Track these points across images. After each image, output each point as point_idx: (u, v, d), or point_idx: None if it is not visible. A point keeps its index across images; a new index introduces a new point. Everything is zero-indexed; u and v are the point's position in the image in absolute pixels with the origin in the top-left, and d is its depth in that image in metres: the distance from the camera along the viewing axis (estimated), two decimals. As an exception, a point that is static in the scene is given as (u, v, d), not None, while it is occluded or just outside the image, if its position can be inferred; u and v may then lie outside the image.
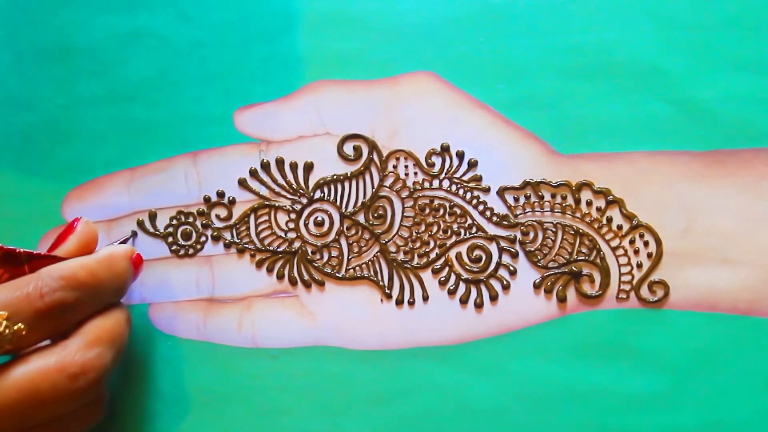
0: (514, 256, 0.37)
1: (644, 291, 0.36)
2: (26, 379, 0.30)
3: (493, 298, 0.36)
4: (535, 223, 0.37)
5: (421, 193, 0.38)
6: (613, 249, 0.36)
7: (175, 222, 0.39)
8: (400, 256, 0.37)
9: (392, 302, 0.37)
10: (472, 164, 0.37)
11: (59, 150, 0.39)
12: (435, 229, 0.37)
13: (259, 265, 0.38)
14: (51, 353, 0.31)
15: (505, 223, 0.37)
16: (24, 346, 0.31)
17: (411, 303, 0.37)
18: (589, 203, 0.37)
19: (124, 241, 0.38)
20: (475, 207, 0.37)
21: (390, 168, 0.38)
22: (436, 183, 0.38)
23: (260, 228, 0.38)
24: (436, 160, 0.38)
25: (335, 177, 0.38)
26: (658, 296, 0.36)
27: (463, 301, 0.37)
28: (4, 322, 0.30)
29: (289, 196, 0.38)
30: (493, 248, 0.37)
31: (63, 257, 0.33)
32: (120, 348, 0.33)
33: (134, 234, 0.38)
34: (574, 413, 0.35)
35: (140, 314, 0.38)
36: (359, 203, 0.38)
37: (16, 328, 0.30)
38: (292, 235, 0.38)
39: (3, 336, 0.30)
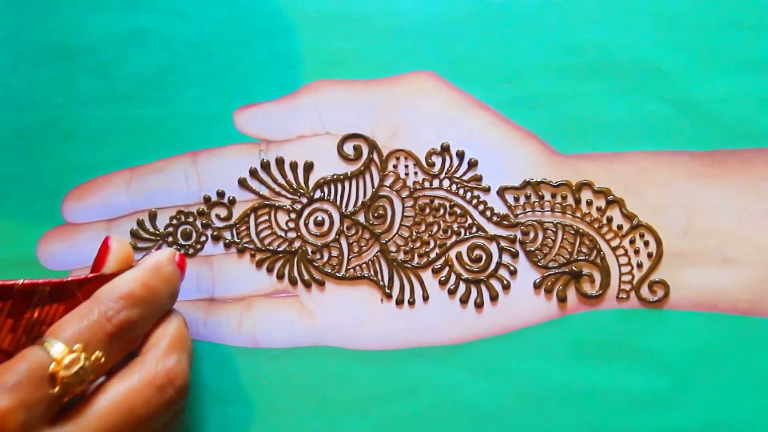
0: (515, 255, 0.37)
1: (644, 291, 0.36)
2: (119, 401, 0.30)
3: (494, 297, 0.36)
4: (535, 222, 0.37)
5: (422, 192, 0.38)
6: (614, 249, 0.36)
7: (175, 222, 0.38)
8: (401, 256, 0.37)
9: (392, 302, 0.37)
10: (473, 164, 0.37)
11: (59, 150, 0.39)
12: (435, 228, 0.37)
13: (259, 264, 0.38)
14: (132, 372, 0.31)
15: (505, 222, 0.37)
16: (104, 373, 0.31)
17: (411, 303, 0.37)
18: (589, 203, 0.37)
19: (158, 248, 0.38)
20: (476, 207, 0.37)
21: (390, 168, 0.38)
22: (436, 183, 0.38)
23: (260, 228, 0.38)
24: (436, 160, 0.38)
25: (335, 177, 0.38)
26: (658, 296, 0.36)
27: (464, 300, 0.37)
28: (83, 355, 0.29)
29: (289, 195, 0.38)
30: (493, 248, 0.37)
31: (111, 274, 0.33)
32: (191, 350, 0.33)
33: (163, 241, 0.38)
34: (574, 413, 0.35)
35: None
36: (359, 203, 0.38)
37: (93, 357, 0.29)
38: (292, 234, 0.38)
39: (85, 369, 0.29)
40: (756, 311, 0.35)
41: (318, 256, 0.38)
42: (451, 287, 0.37)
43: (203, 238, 0.38)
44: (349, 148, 0.38)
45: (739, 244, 0.35)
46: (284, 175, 0.38)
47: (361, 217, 0.38)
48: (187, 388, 0.32)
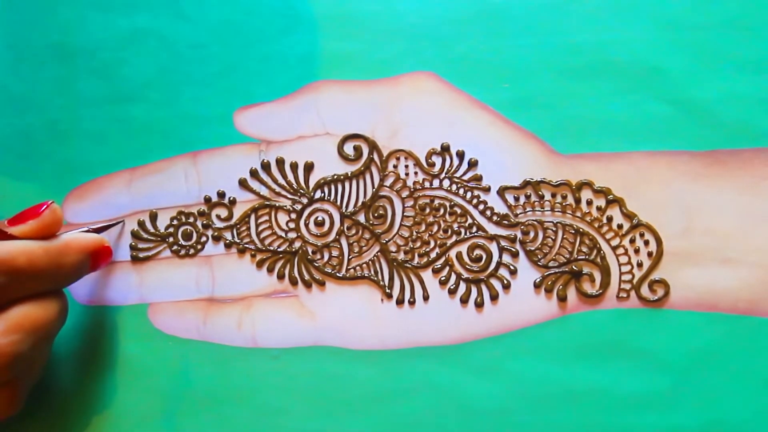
0: (515, 255, 0.37)
1: (645, 290, 0.36)
2: None
3: (494, 297, 0.37)
4: (535, 222, 0.37)
5: (422, 192, 0.38)
6: (614, 248, 0.36)
7: (175, 222, 0.39)
8: (401, 256, 0.37)
9: (393, 302, 0.37)
10: (473, 164, 0.37)
11: (59, 150, 0.39)
12: (435, 228, 0.37)
13: (259, 265, 0.38)
14: None
15: (505, 222, 0.37)
16: None
17: (411, 303, 0.37)
18: (589, 202, 0.37)
19: (104, 228, 0.37)
20: (476, 206, 0.37)
21: (390, 168, 0.38)
22: (436, 183, 0.38)
23: (261, 228, 0.38)
24: (437, 160, 0.38)
25: (335, 177, 0.38)
26: (658, 295, 0.36)
27: (464, 300, 0.37)
28: None
29: (289, 196, 0.38)
30: (493, 248, 0.37)
31: (15, 236, 0.33)
32: (43, 338, 0.33)
33: (122, 223, 0.38)
34: (574, 413, 0.35)
35: (140, 314, 0.38)
36: (359, 203, 0.38)
37: None
38: (292, 235, 0.38)
39: None
40: (756, 311, 0.35)
41: (318, 256, 0.38)
42: (452, 287, 0.37)
43: (204, 239, 0.38)
44: (349, 149, 0.38)
45: (739, 243, 0.35)
46: (284, 176, 0.38)
47: (361, 217, 0.38)
48: (9, 372, 0.31)
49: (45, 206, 0.34)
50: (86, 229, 0.37)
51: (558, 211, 0.37)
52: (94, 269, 0.36)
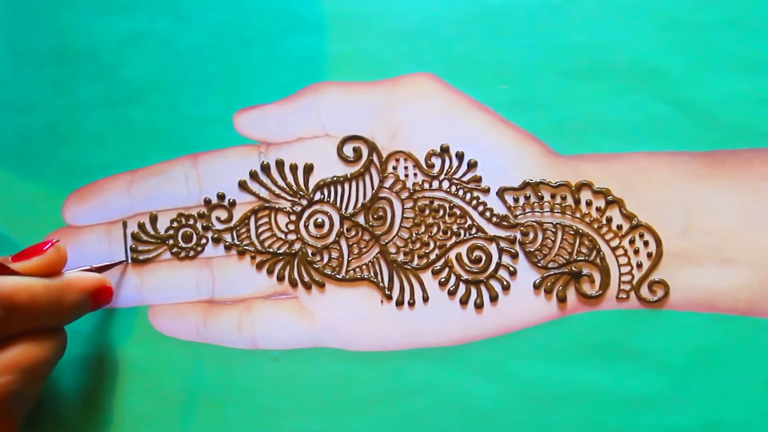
0: (514, 256, 0.37)
1: (644, 291, 0.36)
2: None
3: (493, 298, 0.37)
4: (534, 223, 0.37)
5: (421, 194, 0.38)
6: (613, 249, 0.36)
7: (175, 224, 0.39)
8: (400, 257, 0.37)
9: (392, 303, 0.37)
10: (472, 165, 0.37)
11: (59, 152, 0.39)
12: (435, 230, 0.37)
13: (259, 266, 0.38)
14: None
15: (504, 223, 0.37)
16: None
17: (411, 304, 0.37)
18: (588, 203, 0.37)
19: (106, 267, 0.38)
20: (475, 208, 0.37)
21: (390, 169, 0.38)
22: (435, 184, 0.38)
23: (260, 230, 0.38)
24: (436, 161, 0.38)
25: (335, 178, 0.38)
26: (658, 296, 0.36)
27: (463, 301, 0.37)
28: None
29: (289, 197, 0.38)
30: (493, 249, 0.37)
31: (18, 272, 0.33)
32: (38, 376, 0.33)
33: (125, 262, 0.38)
34: (574, 413, 0.35)
35: (140, 316, 0.38)
36: (359, 204, 0.38)
37: None
38: (292, 236, 0.38)
39: None
40: (756, 311, 0.35)
41: (318, 258, 0.38)
42: (451, 288, 0.37)
43: (204, 241, 0.38)
44: (348, 150, 0.38)
45: (739, 244, 0.35)
46: (284, 177, 0.38)
47: (361, 219, 0.38)
48: (4, 408, 0.31)
49: (49, 244, 0.34)
50: (88, 267, 0.37)
51: (557, 212, 0.37)
52: (94, 308, 0.36)
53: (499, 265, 0.37)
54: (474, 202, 0.37)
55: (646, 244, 0.36)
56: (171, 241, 0.38)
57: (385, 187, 0.38)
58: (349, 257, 0.38)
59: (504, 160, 0.37)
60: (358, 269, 0.37)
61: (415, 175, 0.38)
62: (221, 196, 0.39)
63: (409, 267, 0.37)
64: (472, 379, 0.36)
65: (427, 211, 0.37)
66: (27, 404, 0.34)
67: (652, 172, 0.36)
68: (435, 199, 0.37)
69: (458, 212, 0.37)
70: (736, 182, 0.36)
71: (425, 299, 0.37)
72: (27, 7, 0.41)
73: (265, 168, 0.38)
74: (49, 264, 0.34)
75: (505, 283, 0.37)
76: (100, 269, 0.37)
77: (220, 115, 0.39)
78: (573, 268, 0.36)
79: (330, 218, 0.38)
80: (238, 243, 0.38)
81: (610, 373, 0.35)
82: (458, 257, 0.37)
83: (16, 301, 0.32)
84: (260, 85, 0.39)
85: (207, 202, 0.39)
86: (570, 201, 0.37)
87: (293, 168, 0.38)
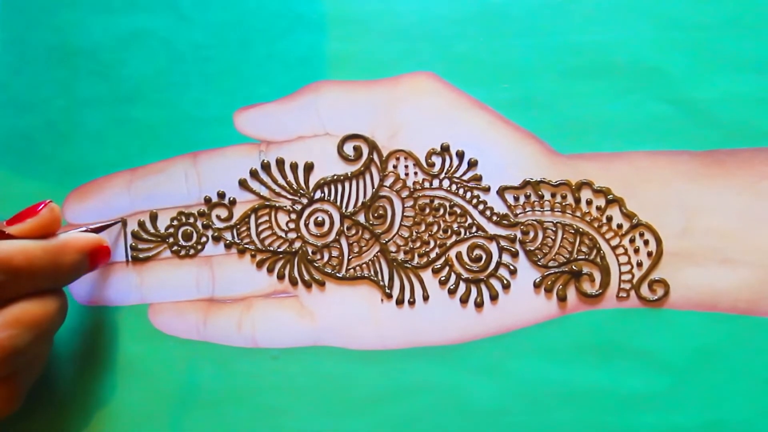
0: (515, 255, 0.37)
1: (644, 290, 0.36)
2: None
3: (494, 297, 0.37)
4: (535, 222, 0.37)
5: (421, 192, 0.38)
6: (613, 248, 0.36)
7: (175, 223, 0.39)
8: (401, 256, 0.37)
9: (392, 302, 0.37)
10: (472, 164, 0.37)
11: (60, 151, 0.39)
12: (435, 228, 0.37)
13: (259, 265, 0.38)
14: None
15: (505, 222, 0.37)
16: None
17: (411, 303, 0.37)
18: (589, 202, 0.37)
19: (102, 228, 0.38)
20: (475, 206, 0.37)
21: (390, 168, 0.38)
22: (436, 183, 0.38)
23: (261, 228, 0.38)
24: (436, 160, 0.38)
25: (335, 177, 0.38)
26: (658, 295, 0.36)
27: (464, 300, 0.37)
28: None
29: (289, 196, 0.38)
30: (493, 248, 0.37)
31: (13, 236, 0.33)
32: (42, 334, 0.33)
33: (122, 222, 0.38)
34: (574, 412, 0.35)
35: (140, 315, 0.38)
36: (359, 203, 0.38)
37: None
38: (292, 235, 0.38)
39: None
40: (756, 311, 0.35)
41: (318, 257, 0.38)
42: (451, 287, 0.37)
43: (204, 239, 0.38)
44: (349, 149, 0.38)
45: (739, 243, 0.35)
46: (284, 176, 0.38)
47: (361, 218, 0.38)
48: (5, 366, 0.31)
49: (43, 205, 0.34)
50: (85, 228, 0.37)
51: (558, 211, 0.37)
52: (92, 269, 0.36)
53: (499, 263, 0.37)
54: (474, 201, 0.37)
55: (646, 243, 0.36)
56: (171, 240, 0.38)
57: (386, 186, 0.38)
58: (349, 256, 0.38)
59: (504, 159, 0.37)
60: (358, 268, 0.37)
61: (416, 173, 0.38)
62: (221, 195, 0.39)
63: (409, 266, 0.37)
64: (472, 377, 0.36)
65: (427, 210, 0.37)
66: (32, 372, 0.34)
67: (653, 172, 0.36)
68: (435, 197, 0.38)
69: (458, 211, 0.37)
70: (736, 182, 0.36)
71: (425, 298, 0.37)
72: (27, 6, 0.41)
73: (266, 166, 0.38)
74: (44, 225, 0.34)
75: (505, 282, 0.37)
76: (96, 230, 0.37)
77: (220, 114, 0.39)
78: (573, 267, 0.36)
79: (330, 217, 0.38)
80: (238, 241, 0.38)
81: (610, 372, 0.35)
82: (458, 256, 0.37)
83: (14, 264, 0.32)
84: (260, 84, 0.39)
85: (207, 200, 0.39)
86: (570, 200, 0.37)
87: (293, 166, 0.38)
